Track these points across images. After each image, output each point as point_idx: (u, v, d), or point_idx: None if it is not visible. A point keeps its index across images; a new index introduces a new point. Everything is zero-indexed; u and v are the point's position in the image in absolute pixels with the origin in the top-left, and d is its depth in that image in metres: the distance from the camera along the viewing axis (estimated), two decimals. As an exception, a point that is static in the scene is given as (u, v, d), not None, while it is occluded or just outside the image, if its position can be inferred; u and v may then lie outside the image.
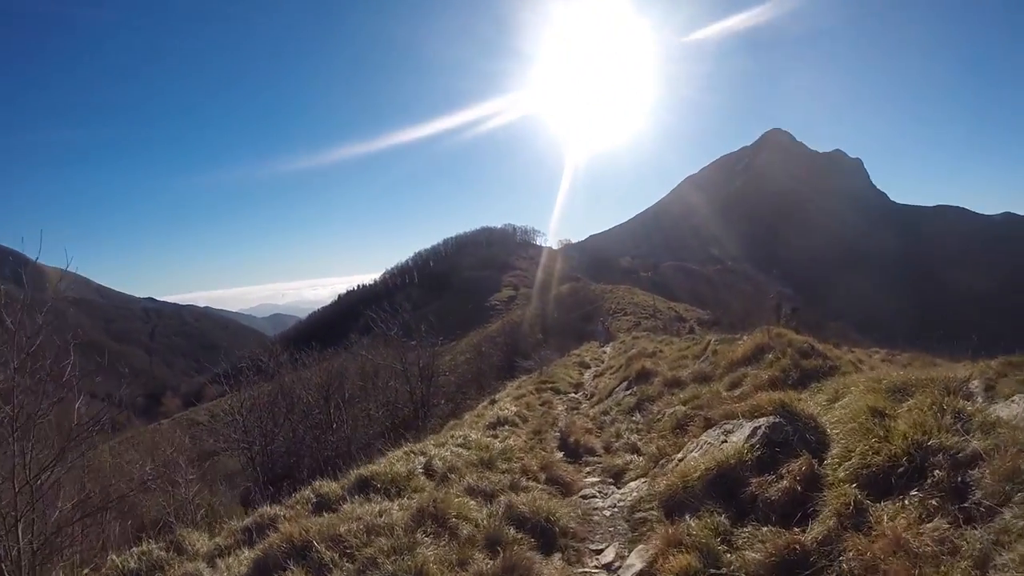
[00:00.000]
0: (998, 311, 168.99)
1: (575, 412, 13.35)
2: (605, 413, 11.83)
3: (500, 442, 9.67)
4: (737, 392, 8.99)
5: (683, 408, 9.15)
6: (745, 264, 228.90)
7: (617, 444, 9.40)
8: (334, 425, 25.71)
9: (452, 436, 10.65)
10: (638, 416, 10.58)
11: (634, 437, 9.32)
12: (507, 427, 11.18)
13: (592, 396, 15.81)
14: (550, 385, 17.55)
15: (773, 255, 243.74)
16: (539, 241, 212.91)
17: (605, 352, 30.21)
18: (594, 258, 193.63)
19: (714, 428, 6.98)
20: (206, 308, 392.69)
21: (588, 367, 23.80)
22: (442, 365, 29.31)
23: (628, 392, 12.64)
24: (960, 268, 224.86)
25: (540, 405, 14.06)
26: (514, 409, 12.70)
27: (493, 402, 18.31)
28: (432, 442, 10.50)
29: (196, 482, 23.09)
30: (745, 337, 12.96)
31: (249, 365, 26.00)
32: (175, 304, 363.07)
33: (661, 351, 18.21)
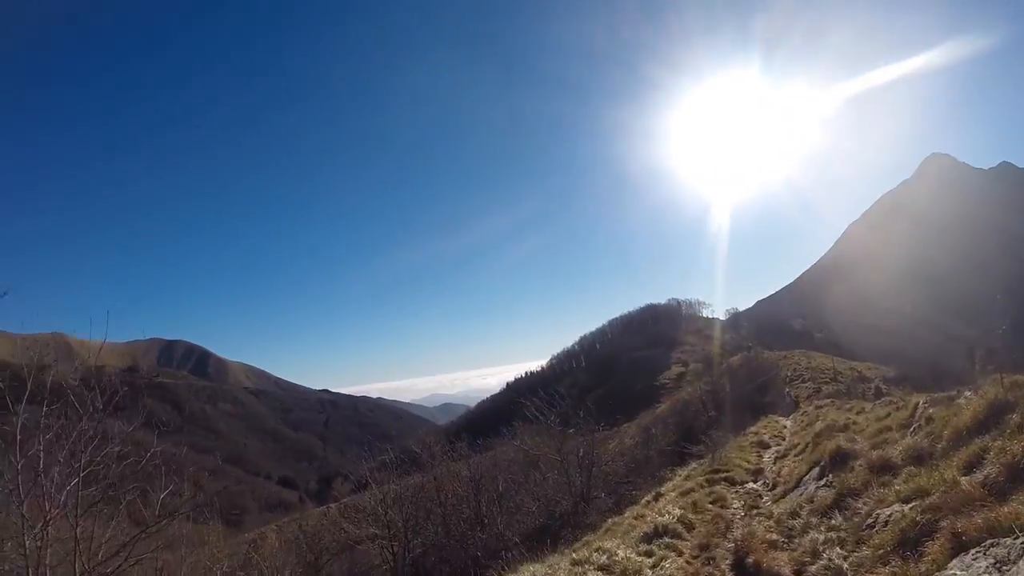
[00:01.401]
0: None
1: (754, 512, 10.76)
2: (794, 515, 9.11)
3: (653, 568, 7.43)
4: (980, 477, 6.37)
5: (905, 510, 6.54)
6: (926, 308, 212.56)
7: (814, 568, 6.81)
8: (485, 521, 23.98)
9: (596, 553, 8.49)
10: (838, 518, 7.96)
11: (838, 557, 6.72)
12: (667, 539, 8.92)
13: (775, 486, 13.09)
14: (723, 474, 14.91)
15: (954, 292, 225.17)
16: (706, 313, 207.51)
17: (786, 427, 26.95)
18: (764, 324, 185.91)
19: (971, 551, 4.49)
20: (378, 399, 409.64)
21: (768, 447, 20.85)
22: (605, 453, 27.13)
23: (822, 483, 9.96)
24: None
25: (711, 503, 11.57)
26: (677, 512, 10.32)
27: (658, 496, 15.95)
28: (570, 560, 8.36)
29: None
30: (967, 394, 10.11)
31: (397, 457, 24.95)
32: (349, 395, 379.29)
33: (855, 422, 15.20)
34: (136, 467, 10.10)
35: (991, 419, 7.81)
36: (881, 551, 6.00)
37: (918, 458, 8.43)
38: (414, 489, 26.22)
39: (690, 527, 9.67)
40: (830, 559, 6.66)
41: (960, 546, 4.81)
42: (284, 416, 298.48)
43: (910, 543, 5.72)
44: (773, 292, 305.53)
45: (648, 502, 16.16)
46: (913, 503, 6.60)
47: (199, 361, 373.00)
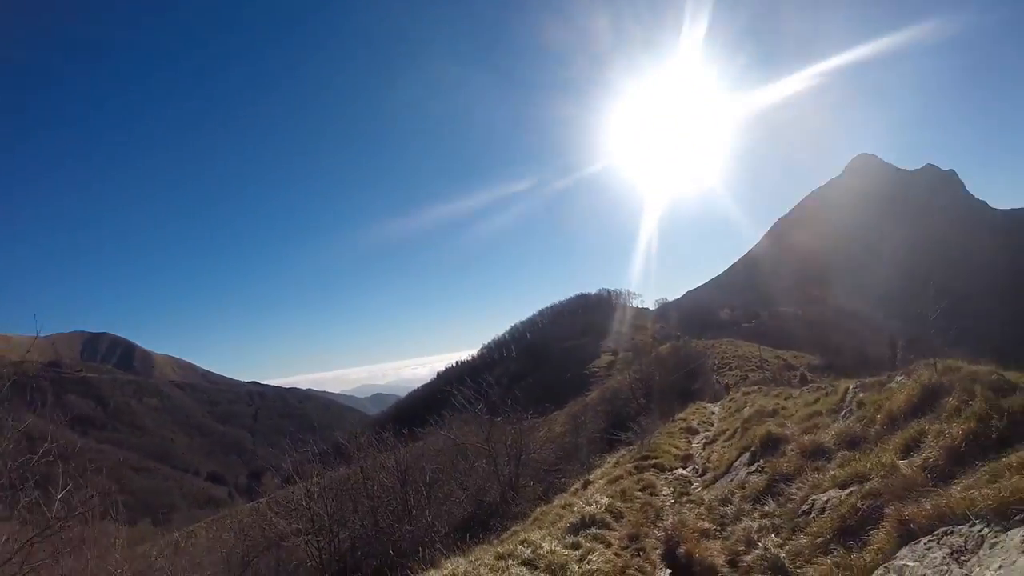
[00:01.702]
0: None
1: (684, 499, 10.42)
2: (725, 501, 8.80)
3: (580, 561, 6.96)
4: (919, 460, 6.08)
5: (843, 495, 6.23)
6: (851, 301, 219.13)
7: (750, 558, 6.44)
8: (412, 512, 23.39)
9: (520, 546, 8.00)
10: (771, 504, 7.65)
11: (774, 545, 6.35)
12: (594, 529, 8.47)
13: (704, 472, 12.83)
14: (652, 460, 14.59)
15: (877, 287, 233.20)
16: (636, 303, 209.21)
17: (714, 413, 26.99)
18: (693, 314, 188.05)
19: (923, 540, 4.12)
20: (308, 390, 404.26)
21: (696, 432, 20.73)
22: (534, 441, 26.66)
23: (753, 468, 9.67)
24: None
25: (639, 491, 11.17)
26: (605, 501, 9.89)
27: (586, 484, 15.59)
28: (494, 554, 7.85)
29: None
30: (899, 379, 9.93)
31: (324, 449, 24.13)
32: (278, 387, 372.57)
33: (784, 407, 15.07)
34: (29, 464, 9.04)
35: (926, 402, 7.64)
36: (820, 539, 5.65)
37: (851, 442, 8.19)
38: (340, 481, 25.45)
39: (619, 516, 9.26)
40: (766, 548, 6.29)
41: (908, 534, 4.47)
42: (212, 410, 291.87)
43: (851, 531, 5.38)
44: (702, 283, 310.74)
45: (577, 490, 15.80)
46: (851, 488, 6.30)
47: (124, 354, 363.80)
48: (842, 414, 10.18)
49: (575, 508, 10.08)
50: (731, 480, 10.26)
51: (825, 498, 6.45)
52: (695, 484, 12.07)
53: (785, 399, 18.65)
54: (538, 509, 15.21)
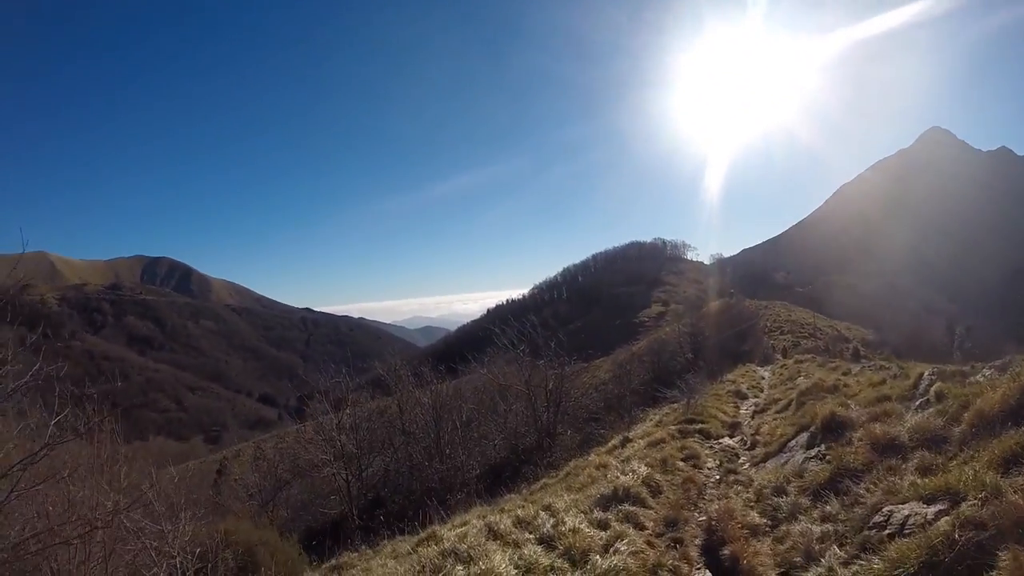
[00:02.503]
0: None
1: (731, 478, 9.48)
2: (779, 490, 7.78)
3: (605, 549, 6.10)
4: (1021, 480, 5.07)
5: (929, 513, 5.18)
6: (908, 278, 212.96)
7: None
8: (447, 451, 22.93)
9: (543, 513, 7.28)
10: (834, 504, 6.62)
11: (839, 562, 5.32)
12: (627, 505, 7.61)
13: (753, 446, 11.87)
14: (698, 425, 13.68)
15: (939, 267, 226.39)
16: (690, 255, 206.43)
17: (764, 378, 25.86)
18: (747, 273, 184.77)
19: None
20: (360, 319, 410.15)
21: (745, 397, 19.74)
22: (576, 387, 25.89)
23: (813, 453, 8.65)
24: None
25: (682, 460, 10.30)
26: (643, 471, 9.05)
27: (625, 441, 14.75)
28: (513, 518, 7.10)
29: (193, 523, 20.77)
30: (987, 372, 8.83)
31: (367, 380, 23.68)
32: (331, 315, 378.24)
33: (845, 384, 13.94)
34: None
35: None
36: (901, 570, 4.67)
37: (931, 441, 7.13)
38: (372, 414, 25.12)
39: (656, 491, 8.40)
40: (830, 568, 5.32)
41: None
42: (266, 334, 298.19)
43: (946, 569, 4.39)
44: (759, 242, 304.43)
45: (615, 447, 14.99)
46: (938, 506, 5.26)
47: (182, 278, 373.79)
48: (916, 403, 9.09)
49: (609, 474, 9.28)
50: (785, 462, 9.29)
51: (905, 512, 5.44)
52: (743, 459, 11.13)
53: (843, 374, 17.52)
54: (572, 463, 14.56)
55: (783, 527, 6.64)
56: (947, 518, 5.00)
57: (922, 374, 10.52)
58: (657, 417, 18.32)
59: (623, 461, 11.39)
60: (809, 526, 6.25)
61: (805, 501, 7.02)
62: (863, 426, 8.51)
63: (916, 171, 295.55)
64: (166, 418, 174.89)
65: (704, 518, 7.33)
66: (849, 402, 10.55)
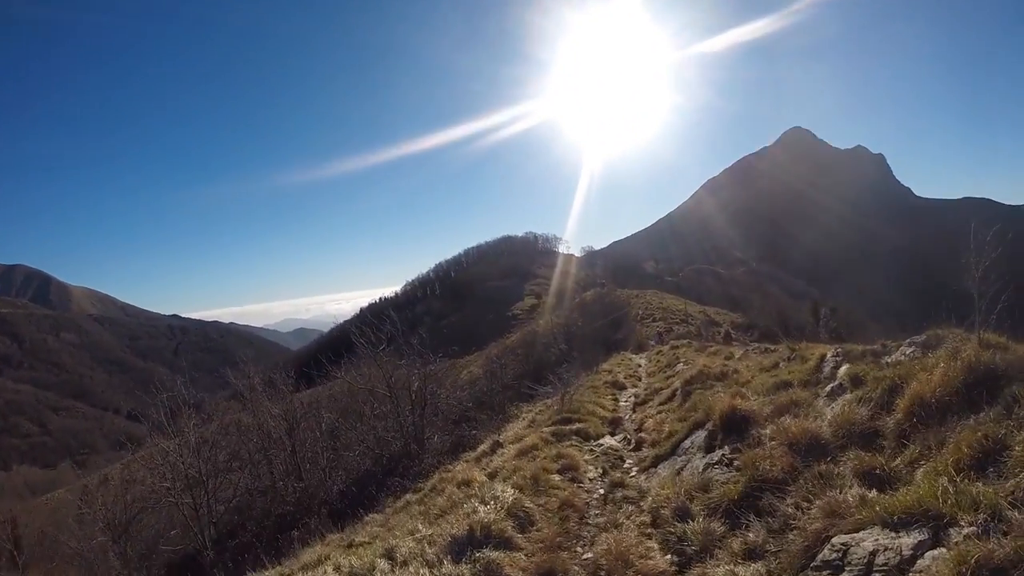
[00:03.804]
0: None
1: (619, 493, 7.71)
2: (682, 512, 5.98)
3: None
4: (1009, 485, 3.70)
5: (908, 549, 3.63)
6: (771, 265, 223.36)
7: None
8: (307, 466, 20.78)
9: (378, 563, 5.56)
10: (759, 531, 4.95)
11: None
12: (488, 550, 5.68)
13: (639, 446, 10.33)
14: (575, 424, 12.01)
15: (797, 255, 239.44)
16: (561, 249, 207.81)
17: (640, 366, 24.86)
18: (617, 264, 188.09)
19: None
20: (230, 324, 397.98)
21: (623, 388, 18.48)
22: (443, 388, 24.07)
23: (715, 458, 7.03)
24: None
25: (558, 474, 8.46)
26: (509, 497, 7.18)
27: (495, 447, 13.10)
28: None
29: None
30: (908, 351, 7.58)
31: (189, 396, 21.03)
32: (200, 321, 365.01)
33: (734, 370, 12.63)
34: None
35: (974, 392, 5.24)
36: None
37: (861, 437, 5.76)
38: (228, 428, 22.81)
39: (527, 523, 6.54)
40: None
41: None
42: (132, 344, 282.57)
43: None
44: (628, 235, 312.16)
45: (484, 454, 13.30)
46: (916, 534, 3.71)
47: (40, 287, 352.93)
48: (826, 390, 7.75)
49: (466, 506, 7.33)
50: (680, 468, 7.73)
51: (868, 545, 3.84)
52: (629, 463, 9.53)
53: (727, 359, 16.40)
54: (436, 475, 12.85)
55: (696, 569, 4.96)
56: (937, 554, 3.47)
57: (824, 356, 9.27)
58: (530, 416, 16.77)
59: (490, 475, 9.66)
60: (733, 568, 4.59)
61: (718, 526, 5.36)
62: (771, 421, 7.08)
63: (778, 166, 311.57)
64: (29, 444, 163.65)
65: (590, 557, 5.63)
66: (744, 391, 9.17)
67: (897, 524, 3.92)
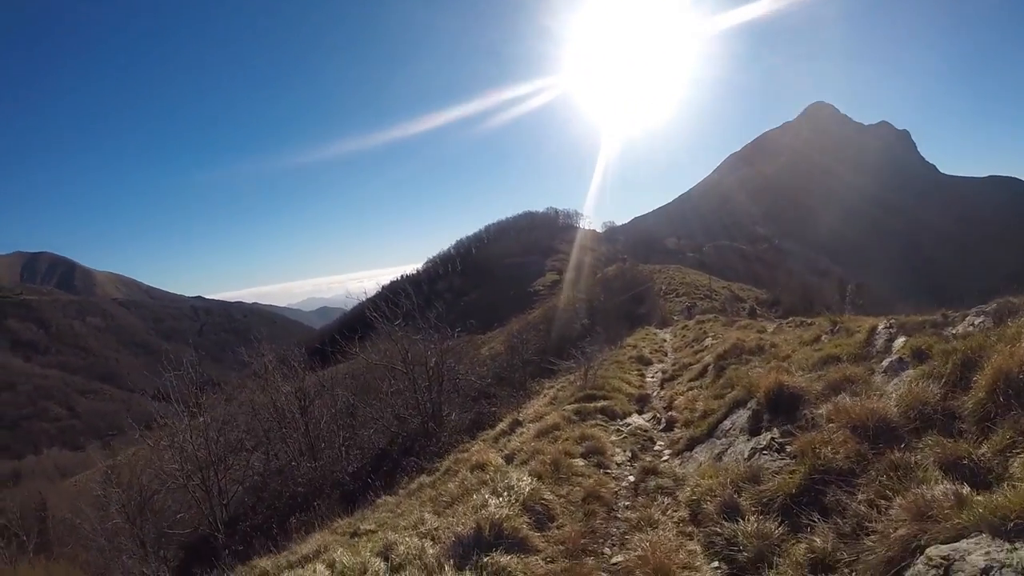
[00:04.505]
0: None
1: (651, 482, 6.90)
2: (728, 508, 5.12)
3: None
4: None
5: None
6: (793, 241, 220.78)
7: None
8: (322, 446, 20.15)
9: (373, 562, 4.80)
10: (827, 536, 4.06)
11: None
12: (498, 553, 4.81)
13: (671, 426, 9.47)
14: (600, 402, 11.11)
15: (820, 232, 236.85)
16: (583, 224, 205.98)
17: (665, 340, 24.04)
18: (639, 240, 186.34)
19: None
20: (254, 304, 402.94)
21: (649, 363, 17.65)
22: (464, 363, 23.41)
23: (762, 442, 6.17)
24: (1014, 237, 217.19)
25: (581, 458, 7.59)
26: (526, 486, 6.30)
27: (515, 425, 12.36)
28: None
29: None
30: (977, 320, 6.75)
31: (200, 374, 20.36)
32: (223, 301, 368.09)
33: (773, 344, 11.68)
34: None
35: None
36: None
37: (936, 419, 4.86)
38: (245, 407, 22.33)
39: (546, 519, 5.66)
40: None
41: None
42: (156, 326, 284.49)
43: None
44: (649, 211, 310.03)
45: (503, 432, 12.58)
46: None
47: (65, 274, 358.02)
48: (883, 365, 6.85)
49: (480, 493, 6.51)
50: (721, 453, 6.88)
51: (980, 563, 3.01)
52: (660, 445, 8.70)
53: (759, 332, 15.50)
54: (451, 456, 12.15)
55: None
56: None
57: (875, 328, 8.36)
58: (552, 392, 15.95)
59: (507, 457, 8.85)
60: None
61: (775, 527, 4.48)
62: (825, 400, 6.18)
63: (800, 142, 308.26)
64: (58, 427, 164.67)
65: (620, 561, 4.81)
66: (786, 366, 8.29)
67: (1012, 532, 3.09)
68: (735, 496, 5.15)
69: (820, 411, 5.90)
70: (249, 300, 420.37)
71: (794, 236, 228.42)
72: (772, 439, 5.96)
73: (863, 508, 4.13)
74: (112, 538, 18.85)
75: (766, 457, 5.79)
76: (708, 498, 5.39)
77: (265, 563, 8.56)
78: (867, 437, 4.92)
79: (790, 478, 4.96)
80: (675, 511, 5.80)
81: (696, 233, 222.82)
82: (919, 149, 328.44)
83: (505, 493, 6.16)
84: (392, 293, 24.33)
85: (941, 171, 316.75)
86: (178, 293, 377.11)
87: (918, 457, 4.42)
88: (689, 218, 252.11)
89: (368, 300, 24.94)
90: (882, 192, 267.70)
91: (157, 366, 20.30)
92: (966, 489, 3.73)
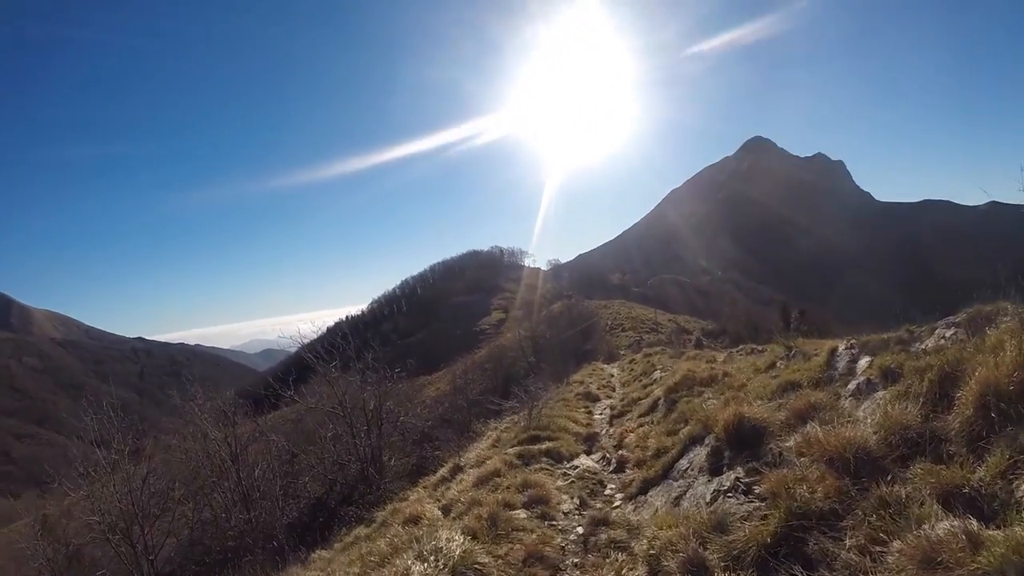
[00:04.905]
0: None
1: (602, 535, 6.01)
2: (694, 566, 4.26)
3: None
4: None
5: None
6: (735, 273, 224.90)
7: None
8: (255, 495, 18.95)
9: None
10: None
11: None
12: None
13: (622, 466, 8.70)
14: (545, 443, 10.32)
15: (762, 262, 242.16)
16: (527, 262, 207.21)
17: (613, 375, 23.45)
18: (584, 276, 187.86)
19: None
20: (196, 346, 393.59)
21: (597, 399, 16.96)
22: (404, 406, 22.42)
23: (725, 483, 5.39)
24: (949, 259, 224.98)
25: (523, 508, 6.74)
26: (457, 548, 5.38)
27: (456, 471, 11.58)
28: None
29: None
30: (948, 333, 6.22)
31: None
32: (165, 343, 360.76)
33: (726, 373, 10.98)
34: None
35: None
36: None
37: (921, 443, 4.22)
38: (179, 456, 21.08)
39: None
40: None
41: None
42: (96, 368, 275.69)
43: None
44: (594, 247, 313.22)
45: (442, 479, 11.69)
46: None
47: (1, 310, 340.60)
48: (850, 388, 6.26)
49: (400, 559, 5.58)
50: (680, 496, 6.12)
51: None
52: (611, 489, 7.90)
53: (709, 362, 14.93)
54: (388, 507, 11.33)
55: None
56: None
57: (835, 349, 7.78)
58: (495, 434, 15.08)
59: (444, 508, 7.98)
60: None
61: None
62: (792, 430, 5.50)
63: (739, 176, 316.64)
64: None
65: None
66: (743, 396, 7.65)
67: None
68: (700, 550, 4.33)
69: (788, 443, 5.21)
70: (192, 342, 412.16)
71: (736, 267, 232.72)
72: (737, 479, 5.20)
73: (854, 556, 3.45)
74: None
75: (731, 501, 5.02)
76: (669, 553, 4.56)
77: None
78: (847, 471, 4.23)
79: (763, 525, 4.17)
80: (631, 569, 4.94)
81: (640, 268, 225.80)
82: (854, 178, 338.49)
83: (432, 557, 5.26)
84: (331, 335, 23.48)
85: (876, 198, 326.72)
86: (119, 334, 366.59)
87: (909, 490, 3.77)
88: (633, 254, 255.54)
89: (308, 343, 23.92)
90: (821, 222, 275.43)
91: (98, 410, 19.04)
92: (974, 524, 3.09)
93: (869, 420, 4.92)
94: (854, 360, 7.12)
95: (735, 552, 4.18)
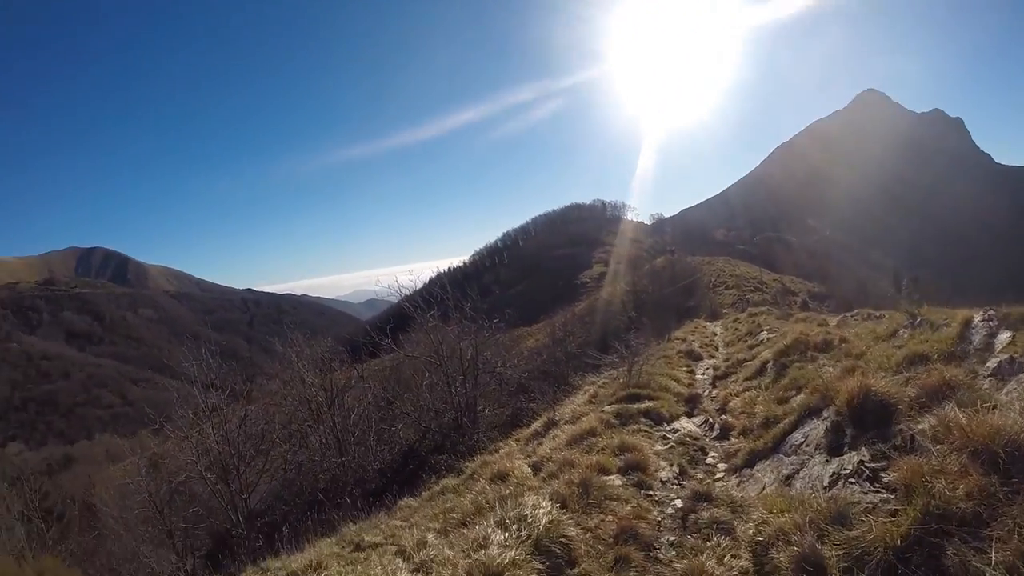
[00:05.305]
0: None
1: (703, 511, 5.56)
2: (809, 564, 3.72)
3: None
4: None
5: None
6: (843, 234, 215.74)
7: None
8: (350, 438, 19.30)
9: None
10: None
11: None
12: None
13: (726, 433, 8.23)
14: (644, 402, 9.84)
15: (873, 223, 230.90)
16: (630, 216, 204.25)
17: (716, 334, 22.74)
18: (687, 232, 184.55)
19: None
20: (303, 296, 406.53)
21: (699, 358, 16.39)
22: (501, 357, 22.27)
23: (846, 464, 4.80)
24: None
25: (618, 474, 6.39)
26: (543, 516, 4.96)
27: (549, 425, 11.29)
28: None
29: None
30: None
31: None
32: (273, 294, 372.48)
33: (843, 339, 10.18)
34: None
35: None
36: None
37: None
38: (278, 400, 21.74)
39: (563, 565, 4.40)
40: None
41: None
42: (207, 318, 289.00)
43: None
44: (697, 203, 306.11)
45: (536, 433, 11.45)
46: None
47: (118, 267, 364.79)
48: (989, 367, 5.60)
49: (479, 525, 5.16)
50: (791, 474, 5.58)
51: None
52: (713, 458, 7.41)
53: (821, 326, 14.09)
54: (478, 459, 11.15)
55: None
56: None
57: (970, 320, 7.05)
58: (593, 388, 14.72)
59: (534, 466, 7.67)
60: None
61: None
62: (925, 411, 4.86)
63: (850, 132, 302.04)
64: (111, 414, 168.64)
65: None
66: (862, 366, 7.00)
67: None
68: (816, 545, 3.81)
69: (921, 426, 4.59)
70: (299, 292, 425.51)
71: (845, 228, 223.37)
72: (861, 463, 4.57)
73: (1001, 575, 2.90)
74: (136, 527, 18.54)
75: (854, 488, 4.43)
76: (779, 544, 4.06)
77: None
78: (995, 467, 3.61)
79: (892, 524, 3.60)
80: (734, 557, 4.45)
81: (744, 225, 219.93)
82: (973, 138, 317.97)
83: (514, 526, 4.87)
84: (431, 285, 23.56)
85: (996, 160, 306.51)
86: (229, 285, 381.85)
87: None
88: (737, 210, 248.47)
89: (409, 294, 24.00)
90: (935, 182, 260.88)
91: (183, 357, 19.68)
92: None
93: (1017, 406, 4.24)
94: (992, 334, 6.45)
95: (857, 552, 3.61)
